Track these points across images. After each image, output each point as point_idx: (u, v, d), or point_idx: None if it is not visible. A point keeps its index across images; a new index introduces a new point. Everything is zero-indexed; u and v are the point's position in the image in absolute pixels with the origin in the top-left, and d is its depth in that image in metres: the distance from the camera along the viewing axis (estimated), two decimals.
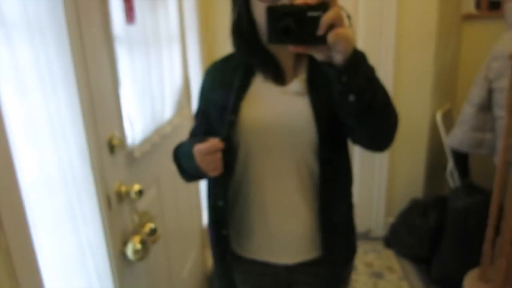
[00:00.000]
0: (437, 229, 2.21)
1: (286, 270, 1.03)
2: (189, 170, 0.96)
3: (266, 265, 1.03)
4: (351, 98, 0.74)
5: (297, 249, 0.99)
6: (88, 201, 0.93)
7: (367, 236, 2.70)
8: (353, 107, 0.75)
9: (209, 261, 2.28)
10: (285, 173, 0.93)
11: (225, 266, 1.04)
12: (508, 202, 1.63)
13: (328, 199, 0.94)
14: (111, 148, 0.99)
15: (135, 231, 1.08)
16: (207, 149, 0.83)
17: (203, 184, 2.25)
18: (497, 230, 1.74)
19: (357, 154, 2.57)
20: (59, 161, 0.85)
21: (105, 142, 0.97)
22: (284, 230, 0.97)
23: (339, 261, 1.02)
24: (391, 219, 2.58)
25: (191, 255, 1.93)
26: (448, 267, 2.10)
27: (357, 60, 0.72)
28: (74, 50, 0.82)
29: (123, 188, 1.03)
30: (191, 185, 1.94)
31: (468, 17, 2.58)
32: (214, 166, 0.85)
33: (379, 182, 2.62)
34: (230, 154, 0.91)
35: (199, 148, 0.85)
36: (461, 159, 2.44)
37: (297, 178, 0.93)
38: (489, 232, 1.75)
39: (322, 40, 0.69)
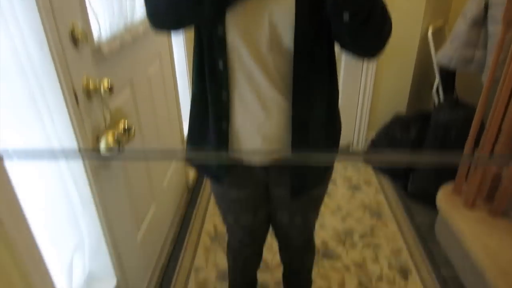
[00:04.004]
0: (418, 143, 2.24)
1: (262, 169, 1.02)
2: None
3: (242, 167, 1.01)
4: (346, 17, 0.66)
5: (269, 148, 0.95)
6: (53, 95, 0.89)
7: (347, 151, 2.74)
8: (347, 25, 0.69)
9: (191, 172, 2.30)
10: (259, 70, 0.86)
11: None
12: (491, 116, 1.63)
13: (303, 103, 0.89)
14: (74, 40, 0.92)
15: (108, 128, 1.04)
16: None
17: (183, 98, 2.20)
18: (476, 144, 1.76)
19: (343, 65, 2.50)
20: (13, 47, 0.79)
21: (67, 33, 0.89)
22: (255, 129, 0.92)
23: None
24: (373, 134, 2.60)
25: (172, 166, 1.93)
26: (424, 180, 2.17)
27: None
28: None
29: (91, 85, 0.98)
30: (169, 95, 1.88)
31: None
32: None
33: (363, 96, 2.59)
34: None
35: None
36: (448, 77, 2.40)
37: (273, 77, 0.87)
38: (469, 143, 1.76)
39: None
